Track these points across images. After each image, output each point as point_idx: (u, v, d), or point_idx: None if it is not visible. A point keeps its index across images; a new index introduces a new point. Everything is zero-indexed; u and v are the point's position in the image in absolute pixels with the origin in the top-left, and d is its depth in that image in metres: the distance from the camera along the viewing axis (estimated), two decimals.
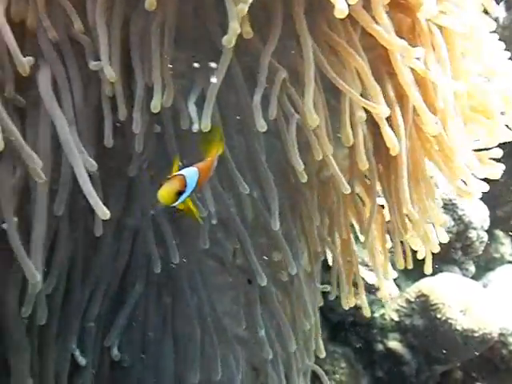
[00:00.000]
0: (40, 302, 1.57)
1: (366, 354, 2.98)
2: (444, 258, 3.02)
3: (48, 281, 1.59)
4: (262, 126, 1.47)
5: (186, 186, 1.30)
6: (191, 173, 1.33)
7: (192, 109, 1.47)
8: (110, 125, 1.51)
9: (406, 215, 1.78)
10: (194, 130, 1.47)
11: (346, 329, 2.94)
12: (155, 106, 1.45)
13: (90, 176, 1.46)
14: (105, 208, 1.43)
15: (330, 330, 2.94)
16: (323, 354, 2.10)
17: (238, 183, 1.61)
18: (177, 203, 1.31)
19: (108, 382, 1.81)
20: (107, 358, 1.78)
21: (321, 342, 2.10)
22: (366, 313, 2.03)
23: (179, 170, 1.37)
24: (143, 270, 1.73)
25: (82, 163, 1.45)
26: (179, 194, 1.29)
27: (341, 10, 1.38)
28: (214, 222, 1.65)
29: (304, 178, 1.60)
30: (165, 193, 1.27)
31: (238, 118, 1.61)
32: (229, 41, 1.39)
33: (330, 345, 2.95)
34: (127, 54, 1.49)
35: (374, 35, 1.49)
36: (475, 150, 1.77)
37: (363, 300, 1.97)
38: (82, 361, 1.73)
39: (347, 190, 1.63)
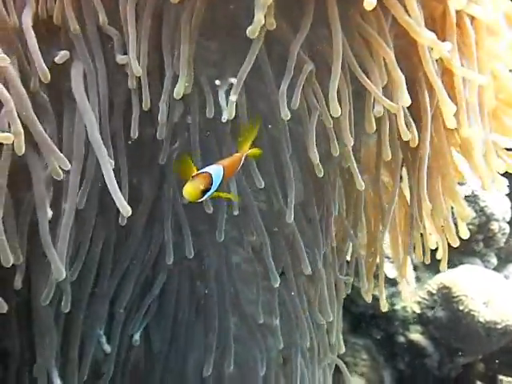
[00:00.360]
0: (65, 289, 1.58)
1: (387, 346, 2.98)
2: (465, 250, 3.01)
3: (74, 267, 1.61)
4: (286, 114, 1.48)
5: (211, 183, 1.33)
6: (217, 171, 1.36)
7: (222, 97, 1.47)
8: (137, 116, 1.53)
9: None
10: (223, 120, 1.47)
11: (367, 321, 2.94)
12: (178, 92, 1.46)
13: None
14: (128, 206, 1.45)
15: (351, 322, 2.94)
16: (342, 350, 2.10)
17: (255, 178, 1.62)
18: (201, 199, 1.34)
19: (134, 370, 1.83)
20: (134, 347, 1.80)
21: (341, 337, 2.09)
22: (383, 306, 2.02)
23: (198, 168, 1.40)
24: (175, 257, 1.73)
25: (108, 161, 1.47)
26: (204, 191, 1.32)
27: (370, 2, 1.37)
28: (236, 212, 1.67)
29: (320, 172, 1.60)
30: (190, 190, 1.30)
31: (264, 106, 1.61)
32: (253, 31, 1.39)
33: (351, 337, 2.95)
34: (159, 44, 1.50)
35: (405, 27, 1.47)
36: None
37: (382, 294, 1.96)
38: (107, 348, 1.74)
39: (361, 186, 1.64)
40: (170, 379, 1.83)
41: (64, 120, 1.57)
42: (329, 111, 1.53)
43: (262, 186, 1.62)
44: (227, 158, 1.46)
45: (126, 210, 1.45)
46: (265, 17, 1.38)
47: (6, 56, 1.44)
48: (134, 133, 1.54)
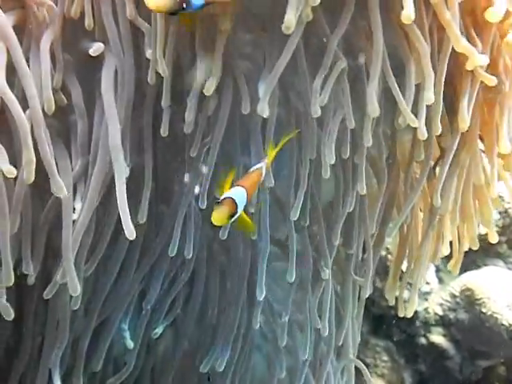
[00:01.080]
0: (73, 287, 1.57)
1: (408, 347, 2.95)
2: (488, 252, 2.98)
3: (89, 264, 1.60)
4: (315, 111, 1.46)
5: (236, 207, 1.39)
6: (240, 194, 1.42)
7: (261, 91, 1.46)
8: (168, 115, 1.53)
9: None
10: (262, 115, 1.46)
11: (388, 322, 2.92)
12: (209, 88, 1.45)
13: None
14: (133, 229, 1.44)
15: (371, 323, 2.92)
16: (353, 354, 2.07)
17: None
18: (230, 222, 1.42)
19: (159, 365, 1.83)
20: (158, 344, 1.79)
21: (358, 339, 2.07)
22: (400, 311, 1.99)
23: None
24: (203, 253, 1.73)
25: (123, 175, 1.46)
26: (231, 215, 1.40)
27: (407, 15, 1.37)
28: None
29: (326, 174, 1.57)
30: (218, 217, 1.37)
31: (297, 102, 1.60)
32: (287, 28, 1.38)
33: (371, 338, 2.93)
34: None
35: (446, 30, 1.46)
36: None
37: (401, 298, 1.94)
38: (129, 343, 1.73)
39: (362, 190, 1.63)
40: (194, 376, 1.82)
41: (95, 116, 1.57)
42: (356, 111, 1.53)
43: (272, 184, 1.61)
44: (248, 175, 1.50)
45: (130, 232, 1.44)
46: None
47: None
48: (165, 130, 1.54)
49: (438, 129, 1.58)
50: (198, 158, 1.59)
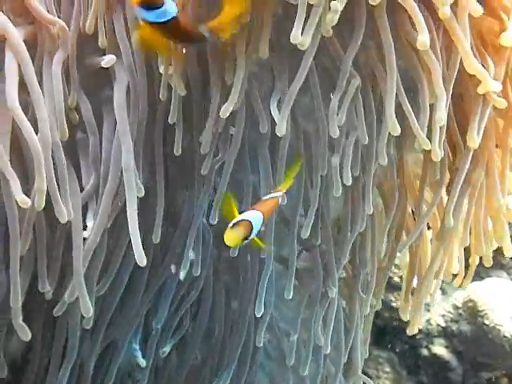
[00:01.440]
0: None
1: (410, 358, 2.94)
2: (492, 263, 2.97)
3: (101, 284, 1.59)
4: (334, 132, 1.45)
5: (251, 231, 1.37)
6: (257, 218, 1.39)
7: (275, 112, 1.45)
8: (180, 133, 1.52)
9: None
10: (279, 134, 1.45)
11: (390, 333, 2.91)
12: (225, 112, 1.44)
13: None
14: (144, 257, 1.43)
15: (374, 334, 2.90)
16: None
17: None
18: (242, 244, 1.39)
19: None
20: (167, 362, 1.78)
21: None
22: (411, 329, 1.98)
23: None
24: (210, 272, 1.72)
25: (135, 199, 1.44)
26: (245, 238, 1.37)
27: (423, 42, 1.37)
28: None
29: (338, 193, 1.57)
30: (231, 238, 1.35)
31: (305, 122, 1.59)
32: (302, 44, 1.37)
33: (374, 349, 2.92)
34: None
35: (458, 48, 1.45)
36: None
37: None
38: (142, 362, 1.72)
39: (370, 210, 1.63)
40: None
41: (104, 131, 1.56)
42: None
43: (285, 202, 1.60)
44: (266, 201, 1.49)
45: (141, 259, 1.42)
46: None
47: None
48: (178, 149, 1.53)
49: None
50: (209, 176, 1.58)
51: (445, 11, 1.38)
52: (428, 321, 2.94)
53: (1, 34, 1.43)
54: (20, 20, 1.52)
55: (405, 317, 1.93)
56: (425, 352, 2.93)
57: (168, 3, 1.30)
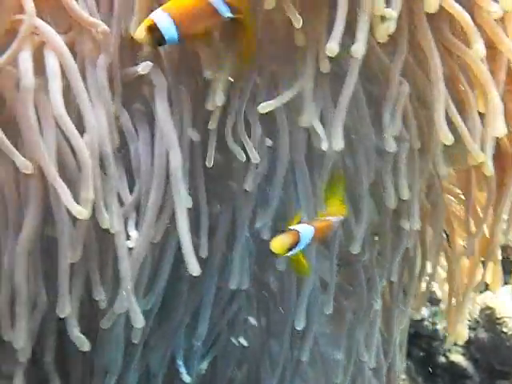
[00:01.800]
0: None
1: (427, 366, 2.91)
2: (510, 270, 2.95)
3: (148, 297, 1.53)
4: (390, 146, 1.41)
5: (298, 241, 1.35)
6: (307, 231, 1.38)
7: (319, 127, 1.40)
8: (213, 144, 1.46)
9: None
10: (324, 149, 1.40)
11: (407, 340, 2.87)
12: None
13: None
14: (197, 266, 1.40)
15: None
16: None
17: None
18: (287, 254, 1.37)
19: None
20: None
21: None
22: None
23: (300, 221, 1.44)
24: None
25: (185, 209, 1.39)
26: (292, 247, 1.35)
27: (479, 50, 1.35)
28: None
29: (391, 203, 1.54)
30: (278, 245, 1.33)
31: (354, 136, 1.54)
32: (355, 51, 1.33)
33: None
34: None
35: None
36: None
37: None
38: (186, 378, 1.66)
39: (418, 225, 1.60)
40: None
41: (140, 141, 1.49)
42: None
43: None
44: (322, 220, 1.46)
45: (195, 268, 1.39)
46: None
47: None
48: (210, 161, 1.47)
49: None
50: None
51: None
52: (445, 328, 2.90)
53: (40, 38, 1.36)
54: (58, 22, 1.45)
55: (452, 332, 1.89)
56: (442, 359, 2.90)
57: None
